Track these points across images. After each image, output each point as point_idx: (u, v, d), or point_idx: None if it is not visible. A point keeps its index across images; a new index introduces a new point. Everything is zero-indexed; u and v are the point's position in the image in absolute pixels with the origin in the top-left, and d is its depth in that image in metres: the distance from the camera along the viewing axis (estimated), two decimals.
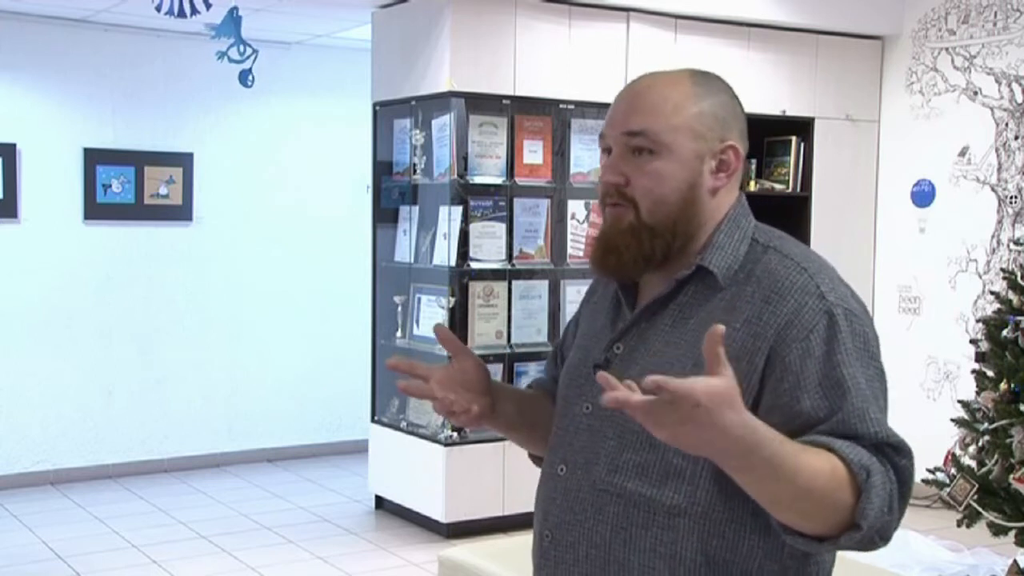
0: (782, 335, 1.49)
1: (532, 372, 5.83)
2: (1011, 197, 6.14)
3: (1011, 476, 4.25)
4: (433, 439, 5.66)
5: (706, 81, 1.64)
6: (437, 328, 1.77)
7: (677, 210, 1.58)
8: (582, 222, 5.99)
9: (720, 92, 1.63)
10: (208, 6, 4.97)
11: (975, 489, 4.35)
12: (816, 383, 1.47)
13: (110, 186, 6.80)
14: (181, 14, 4.96)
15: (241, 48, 5.32)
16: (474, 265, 5.70)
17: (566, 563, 1.61)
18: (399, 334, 6.07)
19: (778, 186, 6.65)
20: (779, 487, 1.39)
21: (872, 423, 1.46)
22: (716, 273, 1.56)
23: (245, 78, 5.44)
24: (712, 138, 1.59)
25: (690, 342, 1.53)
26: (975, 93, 6.33)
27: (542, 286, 5.92)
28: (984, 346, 4.57)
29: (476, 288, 5.73)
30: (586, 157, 5.95)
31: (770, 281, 1.53)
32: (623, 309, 1.68)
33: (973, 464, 4.48)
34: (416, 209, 6.04)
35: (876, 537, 1.43)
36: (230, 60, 5.31)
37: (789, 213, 6.56)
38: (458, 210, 5.65)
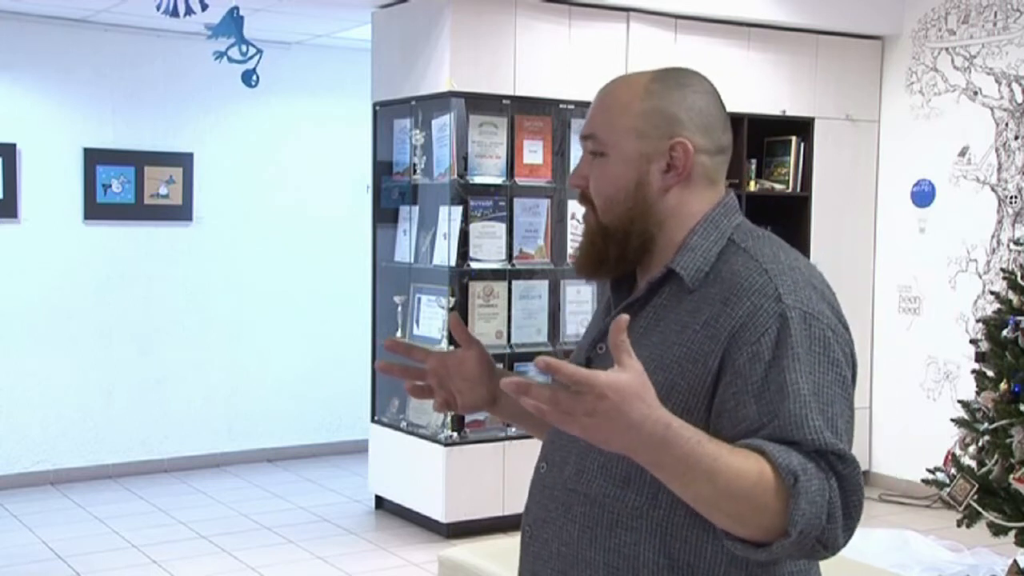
0: (735, 338, 1.47)
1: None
2: (1011, 197, 6.14)
3: (1011, 476, 4.25)
4: (433, 439, 5.66)
5: (667, 78, 1.60)
6: (452, 315, 1.81)
7: (626, 211, 1.58)
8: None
9: (679, 88, 1.59)
10: (204, 7, 4.96)
11: (975, 489, 4.35)
12: (759, 388, 1.44)
13: (110, 186, 6.80)
14: (175, 13, 4.95)
15: (243, 48, 5.31)
16: (474, 265, 5.70)
17: (542, 558, 1.63)
18: (399, 334, 6.07)
19: (778, 186, 6.65)
20: (697, 487, 1.38)
21: (810, 430, 1.41)
22: (683, 276, 1.54)
23: (249, 78, 5.43)
24: (658, 136, 1.57)
25: (656, 344, 1.53)
26: (975, 93, 6.33)
27: (542, 286, 5.92)
28: (984, 346, 4.57)
29: (476, 288, 5.73)
30: None
31: (731, 282, 1.51)
32: (611, 309, 1.68)
33: (973, 464, 4.48)
34: (416, 209, 6.04)
35: (816, 545, 1.40)
36: (230, 60, 5.30)
37: (789, 213, 6.56)
38: (458, 210, 5.65)
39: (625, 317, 1.35)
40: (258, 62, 5.34)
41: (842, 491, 1.41)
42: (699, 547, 1.50)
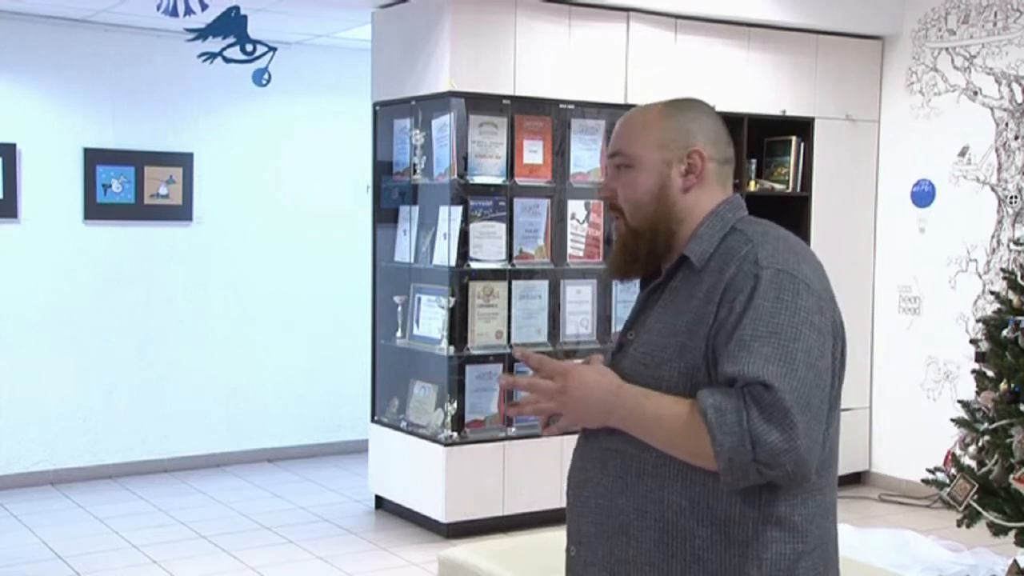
0: (722, 298, 1.74)
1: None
2: (1011, 197, 6.14)
3: (1011, 476, 4.25)
4: (433, 439, 5.66)
5: (677, 103, 1.93)
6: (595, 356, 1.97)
7: (652, 210, 1.87)
8: (582, 222, 5.99)
9: (689, 110, 1.91)
10: (204, 7, 4.96)
11: (975, 489, 4.35)
12: (728, 336, 1.70)
13: (110, 186, 6.80)
14: (174, 13, 4.95)
15: (249, 47, 5.29)
16: (474, 265, 5.70)
17: (583, 515, 1.88)
18: (399, 334, 6.07)
19: (778, 186, 6.65)
20: (653, 432, 1.73)
21: (738, 363, 1.66)
22: (691, 258, 1.82)
23: (260, 77, 5.41)
24: (676, 147, 1.87)
25: (672, 315, 1.81)
26: (975, 93, 6.33)
27: (542, 286, 5.92)
28: (984, 346, 4.56)
29: (476, 288, 5.73)
30: (586, 157, 5.95)
31: (725, 255, 1.79)
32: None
33: (973, 464, 4.48)
34: (416, 209, 6.04)
35: (761, 468, 1.64)
36: (226, 60, 5.29)
37: (789, 213, 6.55)
38: (458, 210, 5.65)
39: (518, 351, 1.89)
40: (270, 60, 5.32)
41: (765, 416, 1.63)
42: (716, 489, 1.72)
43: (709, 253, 1.81)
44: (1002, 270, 4.99)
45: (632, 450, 1.78)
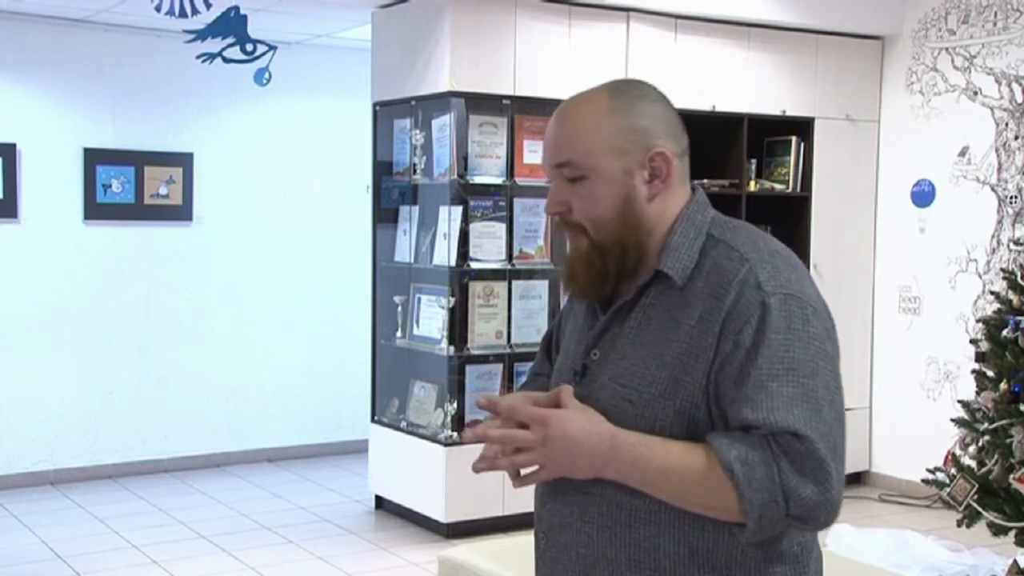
0: (724, 328, 1.54)
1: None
2: (1011, 197, 6.14)
3: (1011, 476, 4.25)
4: (433, 439, 5.66)
5: (624, 92, 1.66)
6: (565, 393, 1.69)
7: (618, 226, 1.63)
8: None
9: (639, 100, 1.65)
10: (208, 6, 4.96)
11: (975, 489, 4.35)
12: (738, 374, 1.52)
13: (110, 186, 6.79)
14: (182, 14, 4.95)
15: (250, 47, 5.30)
16: (474, 265, 5.70)
17: (561, 563, 1.67)
18: (399, 334, 6.07)
19: (778, 186, 6.64)
20: (659, 485, 1.53)
21: (759, 409, 1.49)
22: (672, 276, 1.61)
23: (260, 76, 5.42)
24: (636, 150, 1.62)
25: (653, 342, 1.60)
26: (975, 93, 6.32)
27: (542, 286, 5.92)
28: (984, 346, 4.57)
29: (476, 288, 5.73)
30: None
31: (717, 276, 1.58)
32: (598, 313, 1.72)
33: (973, 464, 4.48)
34: (416, 209, 6.04)
35: (793, 521, 1.50)
36: (225, 60, 5.29)
37: (789, 213, 6.56)
38: (458, 210, 5.65)
39: (568, 389, 1.59)
40: (271, 60, 5.33)
41: (797, 469, 1.48)
42: (716, 533, 1.57)
43: (691, 268, 1.61)
44: (1002, 270, 4.99)
45: (620, 496, 1.58)
